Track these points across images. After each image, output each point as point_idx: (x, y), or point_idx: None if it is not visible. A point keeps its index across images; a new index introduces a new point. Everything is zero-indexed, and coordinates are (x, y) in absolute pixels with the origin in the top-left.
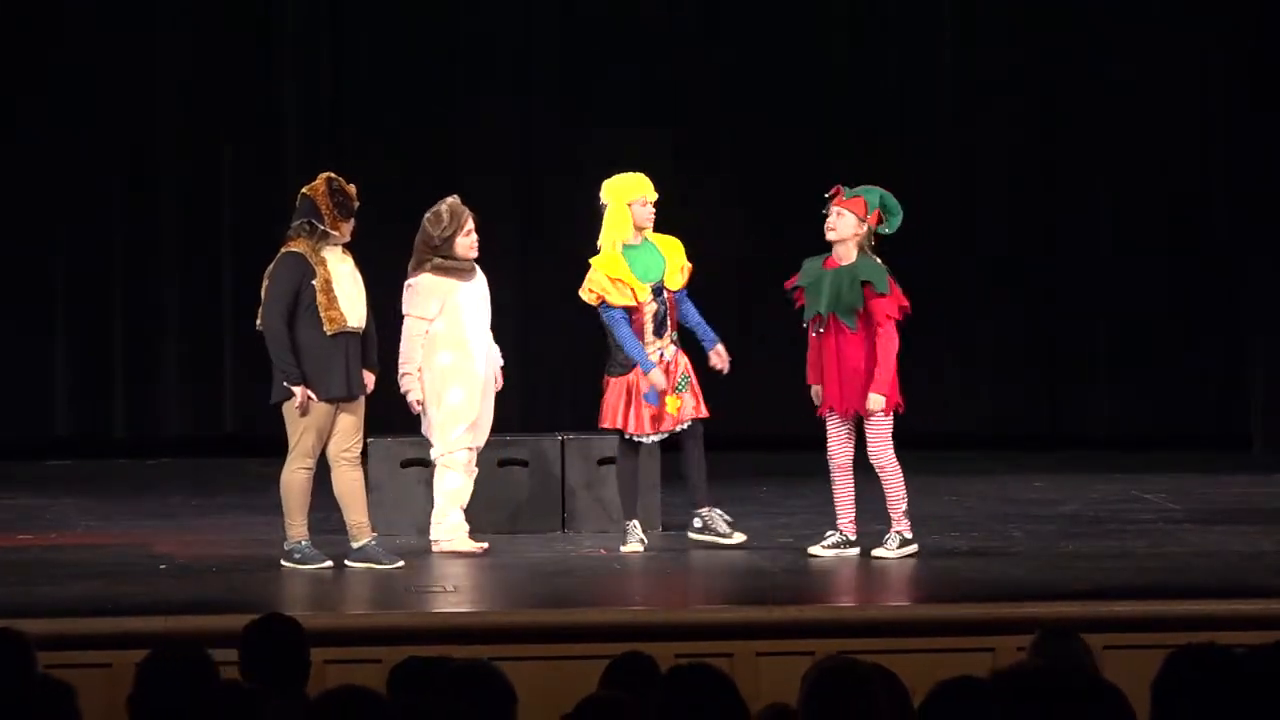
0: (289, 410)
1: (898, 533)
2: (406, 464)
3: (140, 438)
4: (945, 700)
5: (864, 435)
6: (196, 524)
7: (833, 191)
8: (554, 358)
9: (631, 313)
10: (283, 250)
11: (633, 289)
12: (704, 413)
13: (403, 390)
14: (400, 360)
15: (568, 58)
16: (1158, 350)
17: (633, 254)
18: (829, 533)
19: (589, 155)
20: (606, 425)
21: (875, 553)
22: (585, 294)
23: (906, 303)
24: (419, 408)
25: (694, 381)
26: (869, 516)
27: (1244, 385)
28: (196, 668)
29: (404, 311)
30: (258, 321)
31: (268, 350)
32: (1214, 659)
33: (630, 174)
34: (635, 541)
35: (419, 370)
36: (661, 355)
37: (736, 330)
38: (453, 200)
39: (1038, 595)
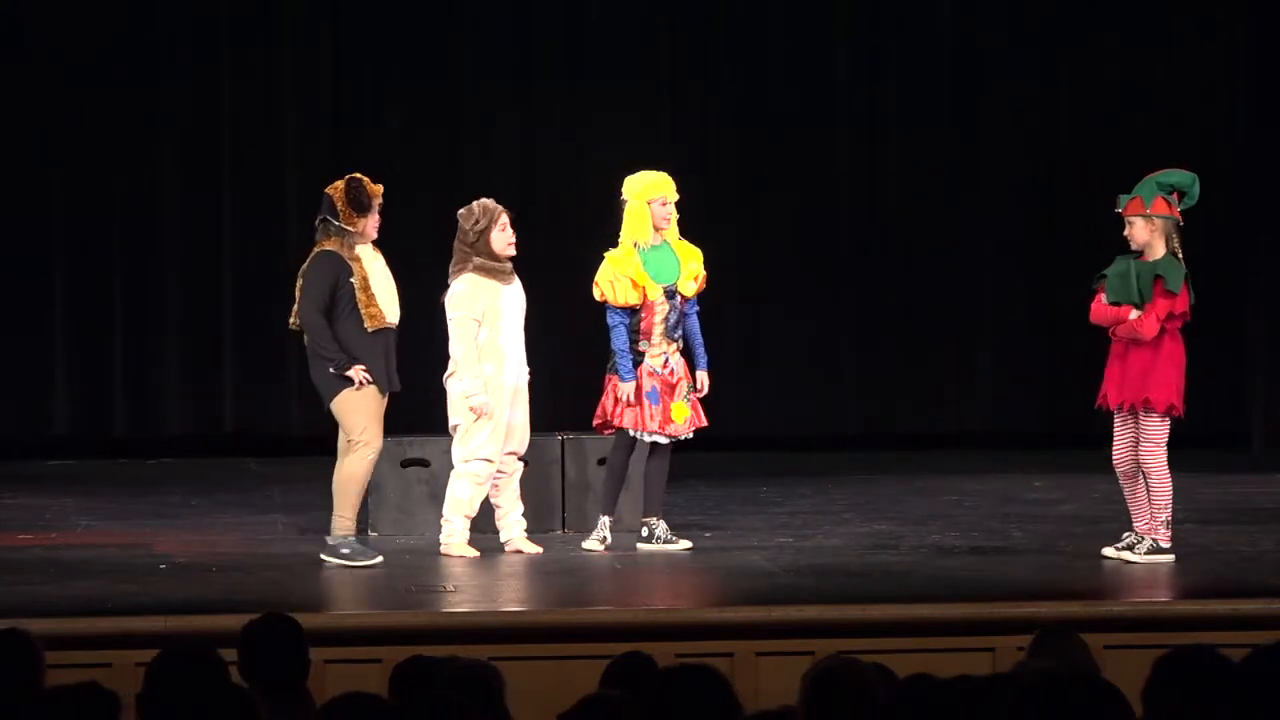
0: (345, 404)
1: (1152, 540)
2: (407, 464)
3: (140, 438)
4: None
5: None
6: (196, 524)
7: (1118, 206)
8: (554, 357)
9: (641, 311)
10: (316, 250)
11: (643, 287)
12: (703, 421)
13: (468, 396)
14: (457, 364)
15: (570, 57)
16: None
17: (649, 255)
18: (1125, 535)
19: (590, 153)
20: (611, 422)
21: (1114, 552)
22: (595, 289)
23: (1187, 309)
24: (482, 413)
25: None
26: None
27: (1244, 385)
28: (206, 667)
29: (450, 314)
30: (291, 319)
31: (308, 349)
32: (1201, 661)
33: (652, 172)
34: (596, 540)
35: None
36: (666, 360)
37: (741, 331)
38: (485, 199)
39: (1038, 595)
